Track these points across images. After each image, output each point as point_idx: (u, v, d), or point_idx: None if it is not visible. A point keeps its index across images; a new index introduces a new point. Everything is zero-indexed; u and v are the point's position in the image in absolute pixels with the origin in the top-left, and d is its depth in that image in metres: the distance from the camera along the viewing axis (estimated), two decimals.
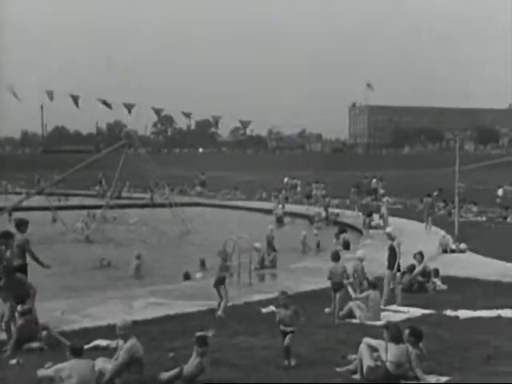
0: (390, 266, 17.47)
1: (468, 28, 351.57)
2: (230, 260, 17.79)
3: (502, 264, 23.78)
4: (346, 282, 16.26)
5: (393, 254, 17.56)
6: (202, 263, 25.05)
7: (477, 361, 11.80)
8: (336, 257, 16.39)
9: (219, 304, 16.13)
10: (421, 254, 20.72)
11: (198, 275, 22.79)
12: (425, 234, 32.15)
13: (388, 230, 18.91)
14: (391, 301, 17.46)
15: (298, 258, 27.41)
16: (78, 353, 10.20)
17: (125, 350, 10.46)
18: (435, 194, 45.54)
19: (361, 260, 17.51)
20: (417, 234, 32.20)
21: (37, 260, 15.28)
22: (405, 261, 20.97)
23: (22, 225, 15.44)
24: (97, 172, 59.35)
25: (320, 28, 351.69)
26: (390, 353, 10.83)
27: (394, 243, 17.58)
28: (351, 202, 47.08)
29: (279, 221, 40.78)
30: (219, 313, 15.89)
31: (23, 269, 14.84)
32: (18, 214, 28.01)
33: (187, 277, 22.81)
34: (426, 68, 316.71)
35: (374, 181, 55.45)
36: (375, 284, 16.12)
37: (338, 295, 15.86)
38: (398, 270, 17.66)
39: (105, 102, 36.81)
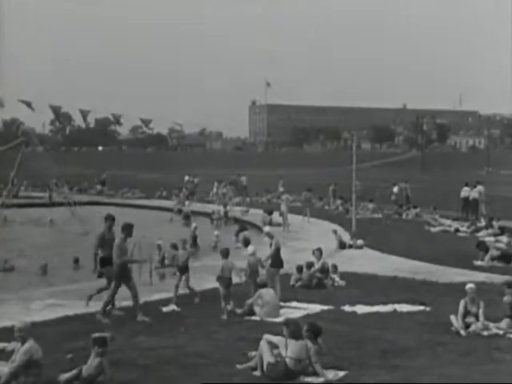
0: (274, 264, 17.71)
1: (374, 27, 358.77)
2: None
3: (398, 259, 24.36)
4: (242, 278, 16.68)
5: (277, 252, 17.84)
6: (76, 261, 25.14)
7: (374, 355, 12.08)
8: (225, 254, 16.78)
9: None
10: (319, 250, 21.00)
11: None
12: (323, 230, 32.50)
13: (266, 229, 19.37)
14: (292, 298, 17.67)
15: (202, 256, 27.25)
16: None
17: (22, 352, 10.25)
18: (331, 187, 46.70)
19: (252, 255, 17.49)
20: (315, 231, 32.72)
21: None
22: (304, 257, 21.35)
23: (126, 228, 15.90)
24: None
25: (224, 25, 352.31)
26: (290, 349, 10.97)
27: (273, 241, 17.89)
28: (229, 199, 47.88)
29: (186, 217, 40.70)
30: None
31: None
32: None
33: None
34: (327, 67, 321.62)
35: (244, 178, 57.40)
36: (264, 284, 16.34)
37: (226, 291, 16.17)
38: (280, 266, 17.98)
39: None
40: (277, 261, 17.73)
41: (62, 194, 44.60)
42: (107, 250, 15.97)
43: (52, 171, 40.27)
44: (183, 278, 17.52)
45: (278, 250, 17.86)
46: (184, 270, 17.54)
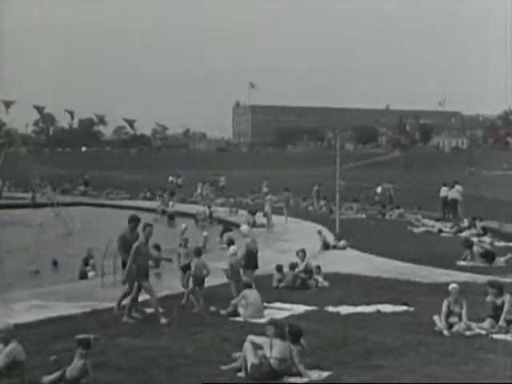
0: (246, 266, 17.72)
1: (358, 29, 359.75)
2: (107, 260, 17.92)
3: (382, 260, 24.44)
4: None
5: (248, 254, 17.85)
6: (54, 263, 25.11)
7: (357, 355, 12.12)
8: (198, 253, 16.94)
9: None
10: (303, 251, 21.01)
11: (90, 274, 22.60)
12: (307, 231, 32.51)
13: (242, 228, 19.46)
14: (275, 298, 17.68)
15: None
16: None
17: (5, 353, 10.20)
18: (315, 188, 46.65)
19: (233, 255, 17.51)
20: (299, 231, 32.73)
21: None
22: (288, 258, 21.36)
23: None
24: None
25: (208, 28, 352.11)
26: (275, 349, 10.99)
27: (249, 240, 17.94)
28: (210, 200, 48.08)
29: (170, 218, 40.77)
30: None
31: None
32: None
33: (83, 275, 22.63)
34: (311, 69, 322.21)
35: (223, 178, 58.14)
36: (248, 285, 16.38)
37: (198, 290, 16.42)
38: (254, 267, 18.03)
39: None
40: (249, 262, 17.75)
41: (45, 195, 44.47)
42: (128, 253, 15.30)
43: (35, 172, 40.09)
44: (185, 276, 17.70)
45: (249, 252, 17.89)
46: (187, 268, 17.61)
